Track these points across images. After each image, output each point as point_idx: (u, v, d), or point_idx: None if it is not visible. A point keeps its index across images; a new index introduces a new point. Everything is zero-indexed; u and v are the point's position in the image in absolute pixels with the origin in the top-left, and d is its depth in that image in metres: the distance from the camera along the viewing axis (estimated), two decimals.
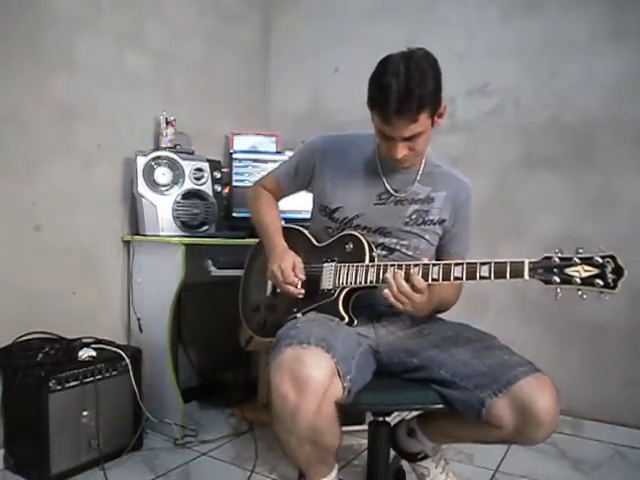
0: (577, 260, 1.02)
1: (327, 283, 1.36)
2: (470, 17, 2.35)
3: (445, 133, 2.36)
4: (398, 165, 1.33)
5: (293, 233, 1.53)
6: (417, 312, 1.23)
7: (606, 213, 2.07)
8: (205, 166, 2.21)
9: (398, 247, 1.38)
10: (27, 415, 1.69)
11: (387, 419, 1.37)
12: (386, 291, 1.19)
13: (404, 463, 1.54)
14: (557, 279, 1.03)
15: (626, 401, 2.05)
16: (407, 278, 1.18)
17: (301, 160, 1.51)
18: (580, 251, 1.02)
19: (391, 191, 1.39)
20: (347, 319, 1.31)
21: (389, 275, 1.20)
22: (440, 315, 1.43)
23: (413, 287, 1.17)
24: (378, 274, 1.26)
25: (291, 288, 1.35)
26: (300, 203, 1.97)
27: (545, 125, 2.19)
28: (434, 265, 1.18)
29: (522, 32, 2.22)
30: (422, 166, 1.40)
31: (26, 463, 1.71)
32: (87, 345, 1.84)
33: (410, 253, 1.38)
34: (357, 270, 1.30)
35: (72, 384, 1.70)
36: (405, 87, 1.15)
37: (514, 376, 1.11)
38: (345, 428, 1.98)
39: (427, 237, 1.39)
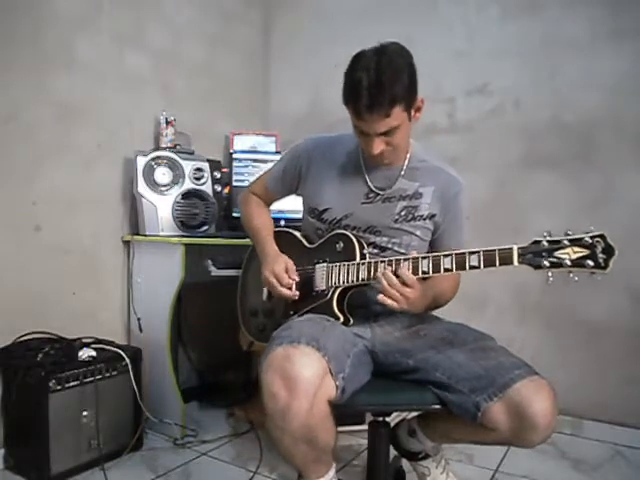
0: (566, 242, 1.01)
1: (320, 284, 1.36)
2: (470, 17, 2.35)
3: (445, 133, 2.37)
4: (377, 161, 1.31)
5: (285, 236, 1.53)
6: (413, 308, 1.22)
7: (606, 212, 2.06)
8: (205, 166, 2.21)
9: (389, 245, 1.37)
10: (27, 415, 1.69)
11: (387, 419, 1.37)
12: (380, 296, 1.19)
13: (404, 463, 1.54)
14: (547, 263, 1.02)
15: (626, 401, 2.05)
16: (396, 274, 1.18)
17: (288, 164, 1.51)
18: (569, 233, 1.01)
19: (375, 189, 1.37)
20: (342, 319, 1.31)
21: (379, 274, 1.20)
22: (439, 314, 1.43)
23: (403, 282, 1.17)
24: (369, 271, 1.25)
25: (285, 291, 1.35)
26: (299, 203, 1.97)
27: (545, 125, 2.19)
28: (423, 258, 1.17)
29: (522, 32, 2.22)
30: (406, 161, 1.38)
31: (26, 463, 1.71)
32: (87, 345, 1.84)
33: (402, 251, 1.37)
34: (348, 269, 1.30)
35: (72, 384, 1.70)
36: (375, 81, 1.15)
37: (510, 379, 1.10)
38: (345, 428, 2.01)
39: (418, 233, 1.38)
